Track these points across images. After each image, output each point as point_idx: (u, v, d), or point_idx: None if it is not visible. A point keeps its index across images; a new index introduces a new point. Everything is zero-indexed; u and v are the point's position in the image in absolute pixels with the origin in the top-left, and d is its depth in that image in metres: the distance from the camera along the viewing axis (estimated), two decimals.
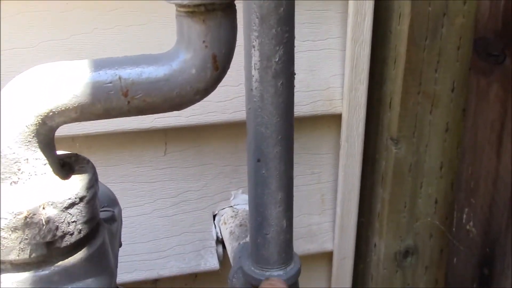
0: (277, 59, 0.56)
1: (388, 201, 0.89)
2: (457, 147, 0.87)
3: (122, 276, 0.86)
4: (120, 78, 0.37)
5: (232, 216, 0.87)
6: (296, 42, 0.76)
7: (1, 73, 0.70)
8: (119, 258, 0.86)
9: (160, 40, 0.74)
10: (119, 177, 0.83)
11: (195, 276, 0.92)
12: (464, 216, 0.85)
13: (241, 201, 0.89)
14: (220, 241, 0.90)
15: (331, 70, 0.82)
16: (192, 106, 0.79)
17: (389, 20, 0.80)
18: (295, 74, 0.61)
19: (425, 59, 0.80)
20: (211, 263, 0.89)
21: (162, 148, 0.83)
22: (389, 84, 0.83)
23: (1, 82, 0.71)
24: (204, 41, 0.38)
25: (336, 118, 0.86)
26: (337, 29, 0.80)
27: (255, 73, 0.57)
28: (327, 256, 0.97)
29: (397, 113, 0.83)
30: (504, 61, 0.73)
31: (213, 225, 0.89)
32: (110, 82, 0.37)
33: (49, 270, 0.39)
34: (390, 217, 0.90)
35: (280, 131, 0.60)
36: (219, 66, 0.39)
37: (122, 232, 0.85)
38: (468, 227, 0.84)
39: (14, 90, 0.37)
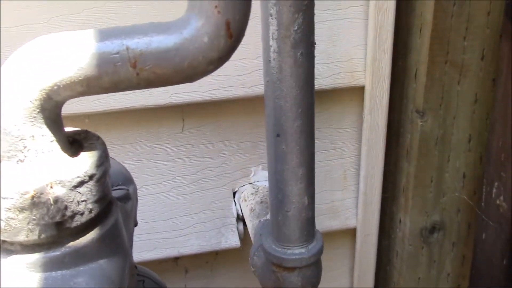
0: (296, 28, 0.53)
1: (413, 176, 0.85)
2: (487, 119, 0.83)
3: (142, 254, 0.85)
4: (127, 48, 0.35)
5: (252, 193, 0.85)
6: (316, 12, 0.72)
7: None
8: (138, 236, 0.86)
9: (176, 13, 0.72)
10: (137, 155, 0.81)
11: (216, 254, 0.91)
12: (494, 190, 0.82)
13: (261, 178, 0.87)
14: (240, 219, 0.88)
15: (353, 40, 0.79)
16: (210, 81, 0.77)
17: None
18: (315, 44, 0.58)
19: (452, 26, 0.76)
20: (232, 240, 0.88)
21: (180, 125, 0.81)
22: (415, 53, 0.80)
23: None
24: (216, 6, 0.35)
25: (358, 91, 0.83)
26: None
27: (273, 43, 0.55)
28: (351, 233, 0.95)
29: (423, 84, 0.79)
30: None
31: (233, 202, 0.87)
32: (117, 53, 0.35)
33: (60, 251, 0.37)
34: (415, 192, 0.87)
35: (300, 104, 0.57)
36: (233, 34, 0.36)
37: (141, 210, 0.85)
38: (498, 201, 0.81)
39: (16, 63, 0.35)
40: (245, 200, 0.85)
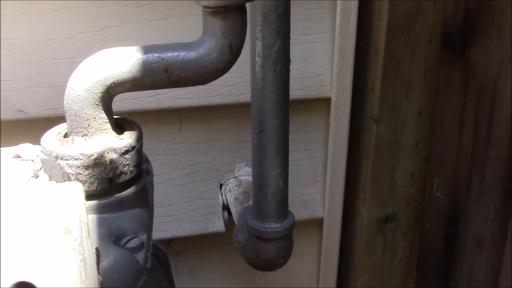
0: (276, 49, 0.71)
1: (370, 173, 1.03)
2: (430, 127, 1.01)
3: None
4: (162, 59, 0.51)
5: (236, 185, 1.01)
6: (292, 36, 0.91)
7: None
8: None
9: (177, 32, 0.88)
10: None
11: (204, 237, 1.07)
12: (434, 185, 0.99)
13: (244, 173, 1.03)
14: (225, 208, 1.04)
15: (322, 60, 0.97)
16: (203, 88, 0.93)
17: (371, 17, 0.94)
18: (290, 61, 0.75)
19: (401, 51, 0.94)
20: (218, 226, 1.03)
21: (177, 126, 0.97)
22: (371, 72, 0.98)
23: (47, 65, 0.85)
24: (223, 33, 0.52)
25: (326, 102, 1.00)
26: (327, 24, 0.94)
27: (258, 60, 0.72)
28: (318, 223, 1.11)
29: (378, 97, 0.97)
30: (465, 53, 0.87)
31: (220, 193, 1.03)
32: (156, 62, 0.51)
33: (109, 200, 0.53)
34: (372, 187, 1.04)
35: (278, 107, 0.75)
36: (234, 52, 0.53)
37: None
38: (437, 194, 0.99)
39: (86, 69, 0.51)
40: (230, 191, 1.02)
